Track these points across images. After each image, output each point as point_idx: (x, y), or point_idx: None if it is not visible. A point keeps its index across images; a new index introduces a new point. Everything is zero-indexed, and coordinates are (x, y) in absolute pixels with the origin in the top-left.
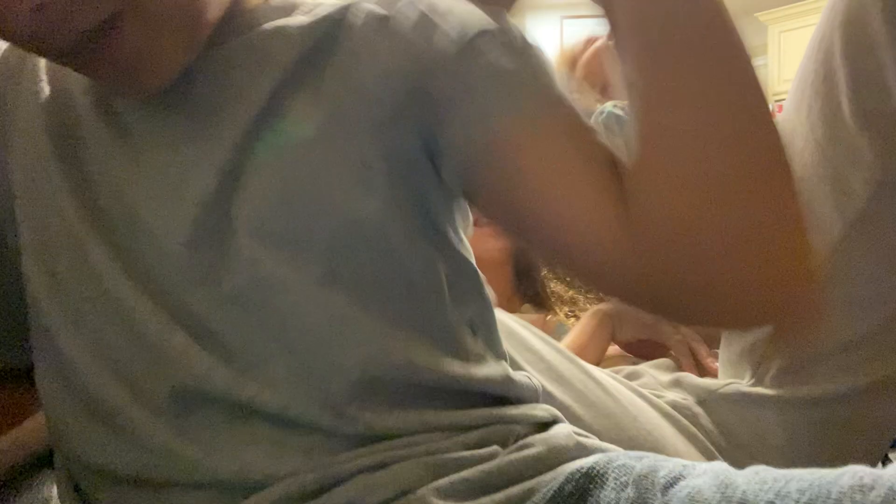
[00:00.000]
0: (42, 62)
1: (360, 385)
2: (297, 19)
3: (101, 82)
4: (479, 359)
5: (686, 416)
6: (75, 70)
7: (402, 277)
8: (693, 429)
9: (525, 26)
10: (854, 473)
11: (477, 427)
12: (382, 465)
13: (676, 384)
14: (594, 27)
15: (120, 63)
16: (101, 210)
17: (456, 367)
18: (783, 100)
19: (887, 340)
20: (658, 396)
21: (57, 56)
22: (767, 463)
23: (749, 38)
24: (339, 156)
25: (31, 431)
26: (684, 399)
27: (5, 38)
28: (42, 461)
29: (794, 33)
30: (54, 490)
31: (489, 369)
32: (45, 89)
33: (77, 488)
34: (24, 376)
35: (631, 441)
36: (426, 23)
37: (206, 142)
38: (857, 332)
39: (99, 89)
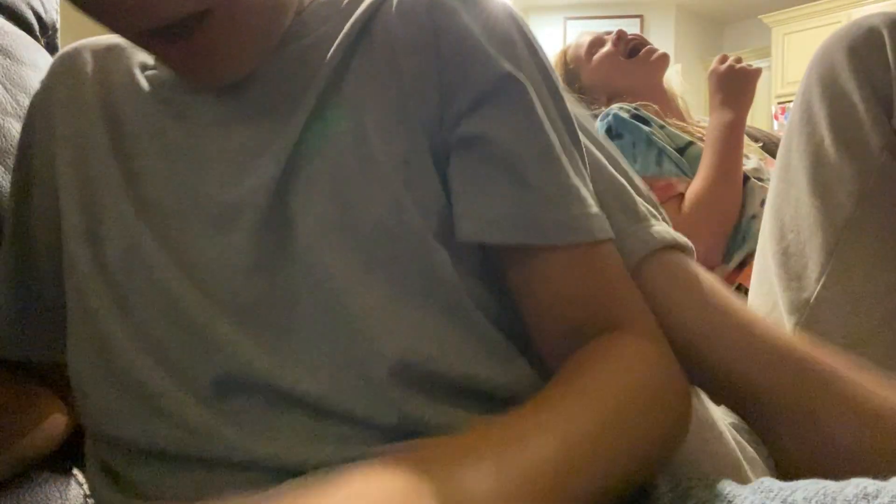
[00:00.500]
0: (92, 65)
1: (397, 373)
2: (343, 22)
3: (176, 68)
4: (510, 360)
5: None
6: (156, 53)
7: (435, 272)
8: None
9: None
10: (858, 483)
11: None
12: None
13: None
14: (597, 28)
15: (202, 52)
16: (151, 203)
17: (485, 365)
18: (787, 102)
19: (886, 338)
20: None
21: (149, 35)
22: None
23: (754, 40)
24: (383, 151)
25: (30, 434)
26: None
27: (110, 10)
28: (43, 462)
29: (797, 35)
30: (54, 490)
31: (519, 371)
32: (99, 89)
33: (106, 470)
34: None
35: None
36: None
37: (265, 135)
38: (857, 331)
39: (156, 84)
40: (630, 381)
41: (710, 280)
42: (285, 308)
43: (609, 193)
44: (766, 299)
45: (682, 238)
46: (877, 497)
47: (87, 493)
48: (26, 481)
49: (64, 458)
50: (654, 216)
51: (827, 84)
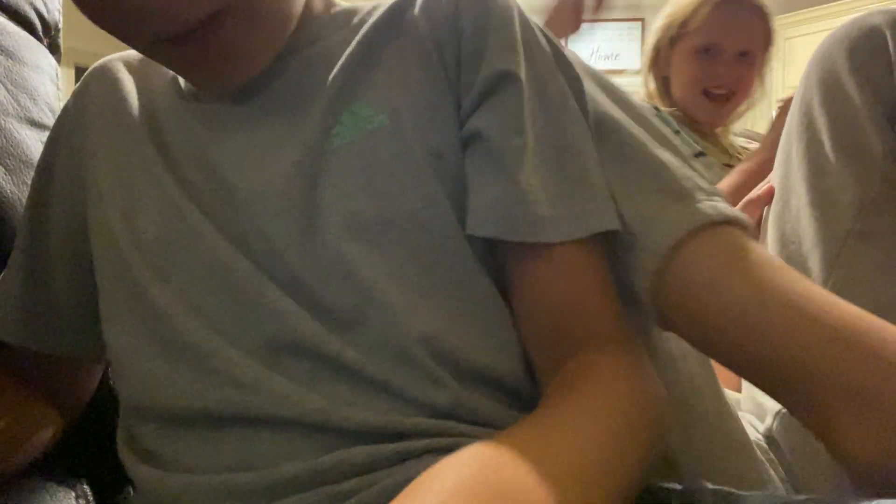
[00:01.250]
0: (126, 72)
1: (429, 357)
2: (364, 24)
3: (186, 74)
4: (531, 374)
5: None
6: (166, 61)
7: (464, 266)
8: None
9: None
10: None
11: None
12: (449, 449)
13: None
14: (599, 31)
15: (216, 55)
16: (192, 183)
17: (503, 360)
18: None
19: None
20: None
21: (162, 42)
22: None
23: None
24: (413, 144)
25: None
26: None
27: (128, 17)
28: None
29: (799, 40)
30: (45, 495)
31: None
32: (134, 90)
33: (140, 450)
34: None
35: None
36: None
37: (286, 127)
38: None
39: (178, 86)
40: (606, 426)
41: (762, 254)
42: (328, 281)
43: (645, 175)
44: None
45: (732, 212)
46: None
47: (78, 494)
48: (14, 487)
49: (52, 463)
50: (704, 190)
51: (827, 87)
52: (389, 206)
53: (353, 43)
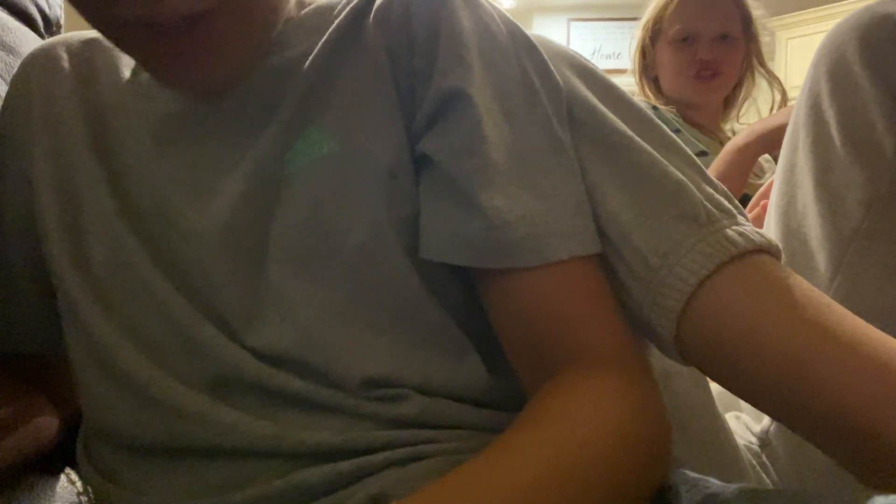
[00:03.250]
0: (69, 61)
1: (379, 390)
2: (327, 32)
3: (160, 66)
4: (501, 374)
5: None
6: (136, 49)
7: (412, 297)
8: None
9: (532, 28)
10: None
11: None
12: (414, 459)
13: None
14: (601, 30)
15: (193, 52)
16: (133, 203)
17: (466, 384)
18: (790, 105)
19: None
20: None
21: (137, 28)
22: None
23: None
24: (365, 168)
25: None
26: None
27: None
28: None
29: (801, 40)
30: (46, 489)
31: (503, 387)
32: (77, 82)
33: (100, 467)
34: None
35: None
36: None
37: (237, 151)
38: None
39: (129, 79)
40: (584, 436)
41: (804, 286)
42: (265, 322)
43: (660, 198)
44: None
45: (762, 238)
46: None
47: (80, 490)
48: (17, 481)
49: (56, 456)
50: (726, 213)
51: (837, 80)
52: (335, 240)
53: (312, 56)
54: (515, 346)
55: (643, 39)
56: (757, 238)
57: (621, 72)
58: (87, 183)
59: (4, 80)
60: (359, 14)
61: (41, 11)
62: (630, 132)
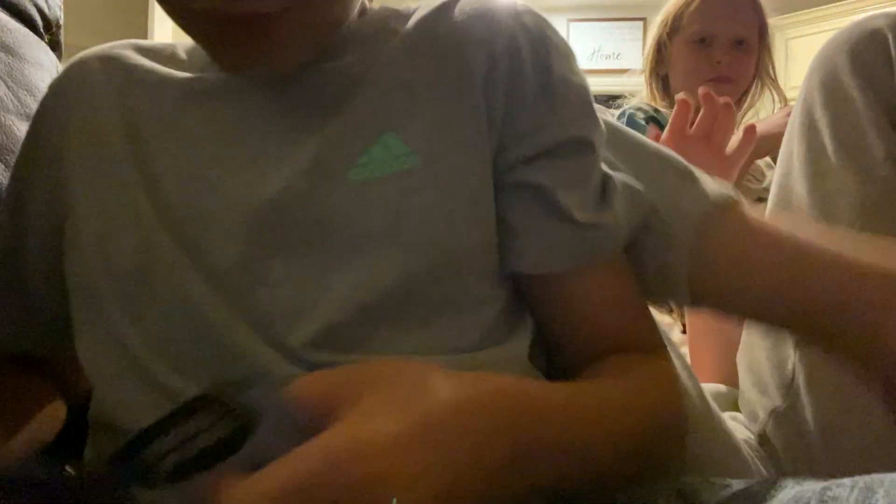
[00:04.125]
0: (102, 70)
1: None
2: (394, 41)
3: (222, 49)
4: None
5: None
6: (206, 30)
7: (473, 325)
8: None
9: None
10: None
11: None
12: None
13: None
14: (600, 31)
15: (266, 46)
16: (172, 205)
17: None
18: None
19: None
20: None
21: (220, 25)
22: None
23: None
24: (448, 193)
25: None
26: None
27: None
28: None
29: (800, 40)
30: None
31: None
32: (114, 92)
33: None
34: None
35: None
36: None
37: (293, 145)
38: None
39: (183, 83)
40: (649, 404)
41: (772, 222)
42: (303, 321)
43: (660, 161)
44: None
45: (731, 191)
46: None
47: None
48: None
49: (56, 451)
50: (693, 170)
51: (829, 90)
52: (415, 259)
53: (384, 62)
54: (572, 340)
55: (661, 34)
56: (730, 191)
57: (622, 72)
58: (122, 188)
59: (4, 80)
60: (434, 24)
61: (40, 11)
62: (619, 124)
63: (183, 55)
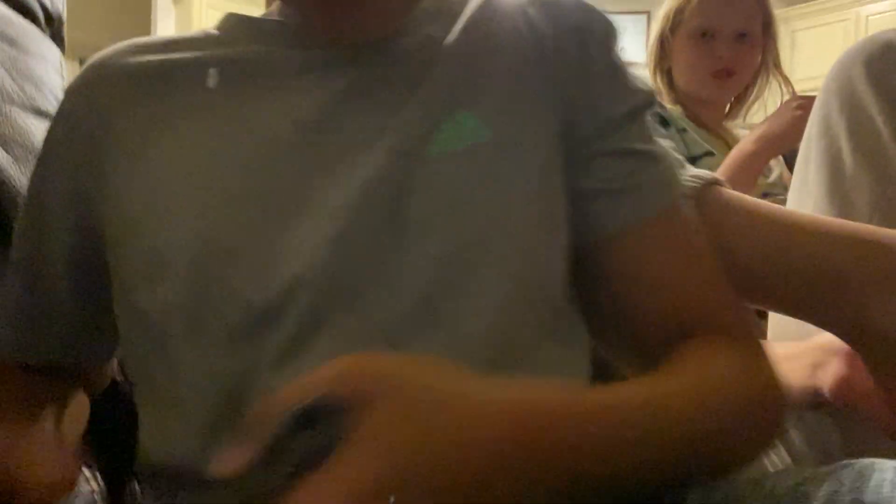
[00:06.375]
0: (135, 66)
1: None
2: (463, 17)
3: (322, 22)
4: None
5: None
6: (305, 8)
7: (555, 287)
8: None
9: None
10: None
11: None
12: None
13: None
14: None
15: (361, 8)
16: (233, 198)
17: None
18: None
19: None
20: None
21: None
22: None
23: None
24: (521, 163)
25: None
26: None
27: None
28: None
29: (806, 32)
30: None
31: None
32: (150, 89)
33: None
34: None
35: None
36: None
37: (374, 130)
38: None
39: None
40: (717, 399)
41: (756, 200)
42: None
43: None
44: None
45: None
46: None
47: (95, 489)
48: None
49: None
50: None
51: (845, 96)
52: (495, 224)
53: (458, 39)
54: (651, 314)
55: (663, 29)
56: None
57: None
58: (168, 196)
59: (9, 72)
60: (502, 1)
61: (42, 6)
62: None
63: (214, 32)
